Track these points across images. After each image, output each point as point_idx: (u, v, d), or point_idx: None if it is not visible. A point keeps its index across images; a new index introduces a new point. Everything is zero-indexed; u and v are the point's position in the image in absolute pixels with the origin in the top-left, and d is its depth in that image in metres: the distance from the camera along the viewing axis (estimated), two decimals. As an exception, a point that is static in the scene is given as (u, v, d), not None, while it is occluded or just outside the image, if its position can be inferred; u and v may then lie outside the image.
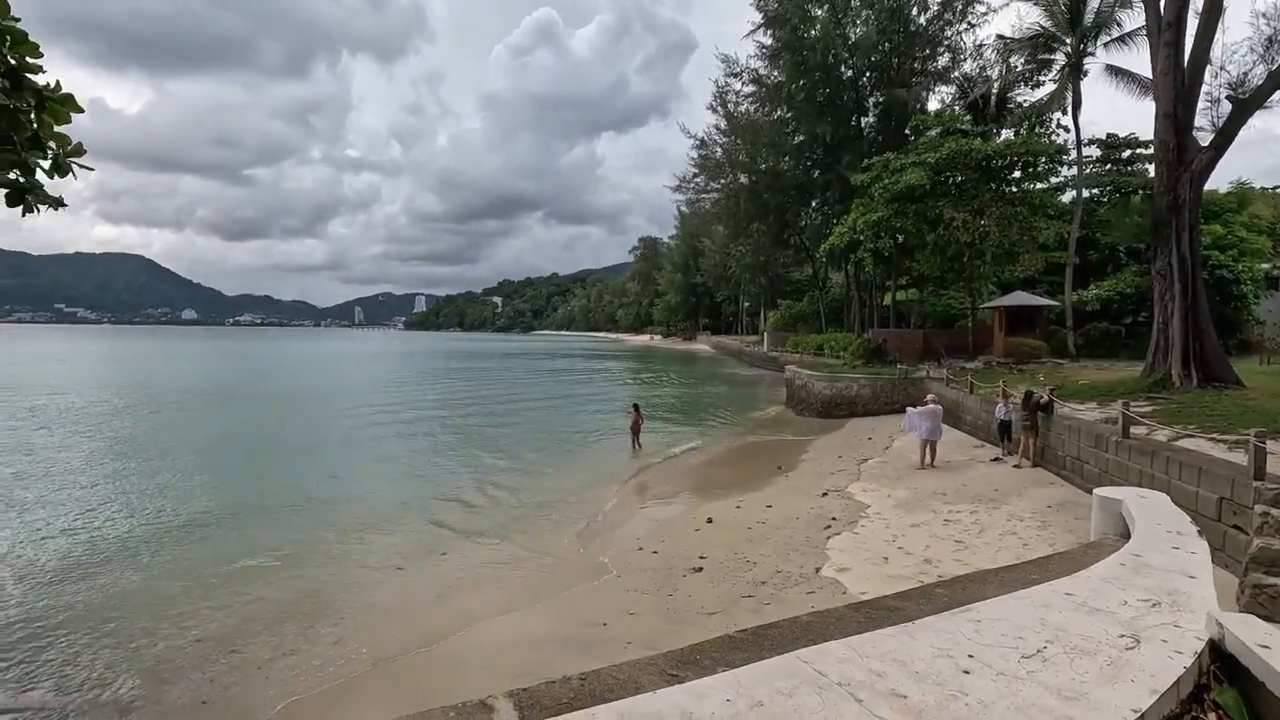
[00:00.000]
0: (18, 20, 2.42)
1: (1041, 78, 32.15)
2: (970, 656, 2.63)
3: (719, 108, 50.09)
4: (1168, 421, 12.37)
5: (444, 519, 12.99)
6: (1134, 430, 11.33)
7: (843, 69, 41.10)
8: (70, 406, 28.08)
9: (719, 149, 53.30)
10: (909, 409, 16.25)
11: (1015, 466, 14.41)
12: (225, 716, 6.45)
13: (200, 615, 8.51)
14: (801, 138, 44.98)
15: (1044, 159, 28.88)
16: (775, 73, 44.01)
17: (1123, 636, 2.85)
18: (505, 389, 41.47)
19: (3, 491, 14.22)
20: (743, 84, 46.96)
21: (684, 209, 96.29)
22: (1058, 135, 35.36)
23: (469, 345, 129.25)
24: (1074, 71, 29.14)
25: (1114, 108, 37.11)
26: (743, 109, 49.02)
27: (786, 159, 47.14)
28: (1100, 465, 11.58)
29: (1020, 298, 30.12)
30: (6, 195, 2.48)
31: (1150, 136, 19.76)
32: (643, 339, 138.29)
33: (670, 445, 21.18)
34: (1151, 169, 28.04)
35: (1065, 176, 34.77)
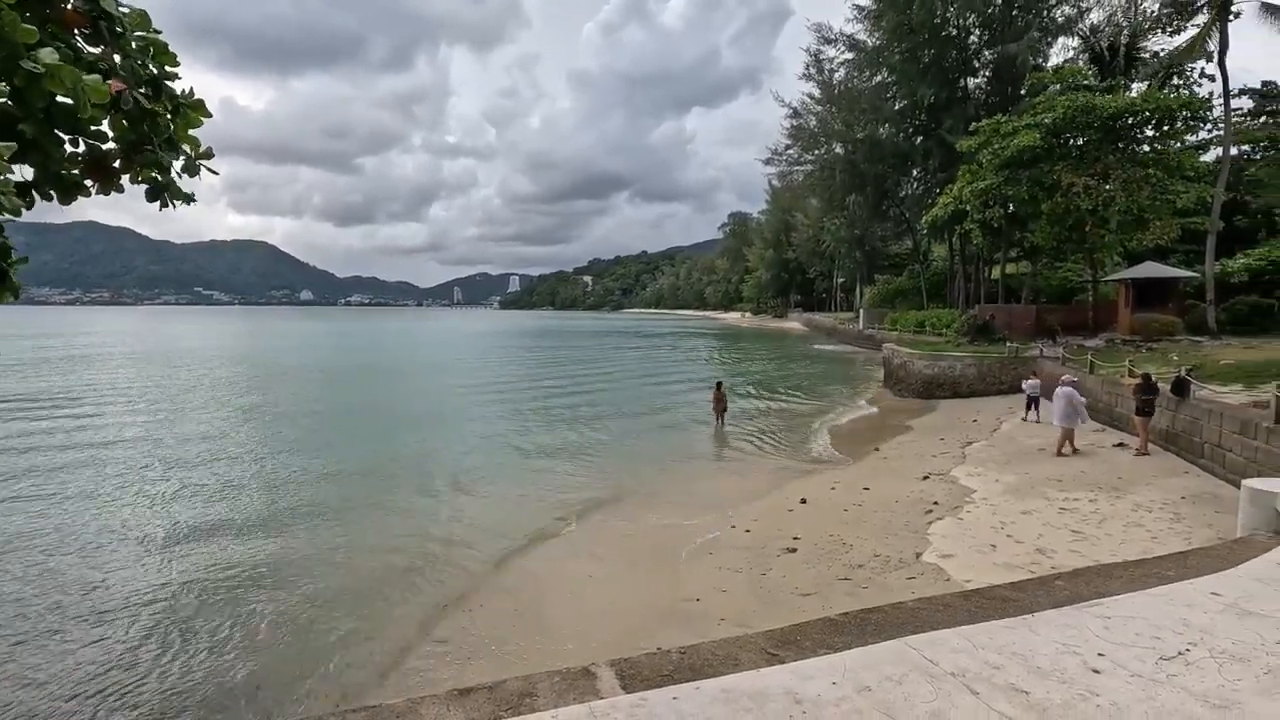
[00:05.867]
0: (159, 32, 2.63)
1: (1182, 23, 28.77)
2: (1100, 655, 2.45)
3: (814, 75, 48.30)
4: (1331, 406, 10.96)
5: (536, 491, 13.45)
6: (1289, 415, 10.11)
7: (949, 26, 38.50)
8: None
9: (813, 118, 51.43)
10: (1060, 387, 14.00)
11: (1137, 453, 13.22)
12: (332, 668, 7.01)
13: (318, 572, 9.29)
14: (902, 103, 42.75)
15: (1184, 113, 25.96)
16: (875, 36, 41.86)
17: (1283, 643, 2.57)
18: (593, 367, 42.22)
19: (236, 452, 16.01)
20: (839, 51, 45.08)
21: (775, 183, 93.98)
22: (1199, 86, 31.77)
23: (560, 324, 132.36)
24: (1221, 12, 25.85)
25: (1270, 52, 32.77)
26: (839, 76, 47.07)
27: (885, 126, 45.01)
28: (1247, 454, 10.45)
29: (1150, 269, 27.37)
30: (146, 192, 2.73)
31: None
32: (732, 317, 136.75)
33: (759, 424, 20.93)
34: (1318, 120, 24.62)
35: (1209, 132, 31.09)
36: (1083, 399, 14.06)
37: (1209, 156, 32.05)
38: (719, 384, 21.09)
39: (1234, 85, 29.86)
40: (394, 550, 10.11)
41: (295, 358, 47.05)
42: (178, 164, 2.75)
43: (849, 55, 44.90)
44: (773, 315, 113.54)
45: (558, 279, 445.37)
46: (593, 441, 18.46)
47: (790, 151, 55.47)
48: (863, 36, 43.21)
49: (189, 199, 2.85)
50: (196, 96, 2.75)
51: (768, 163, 58.60)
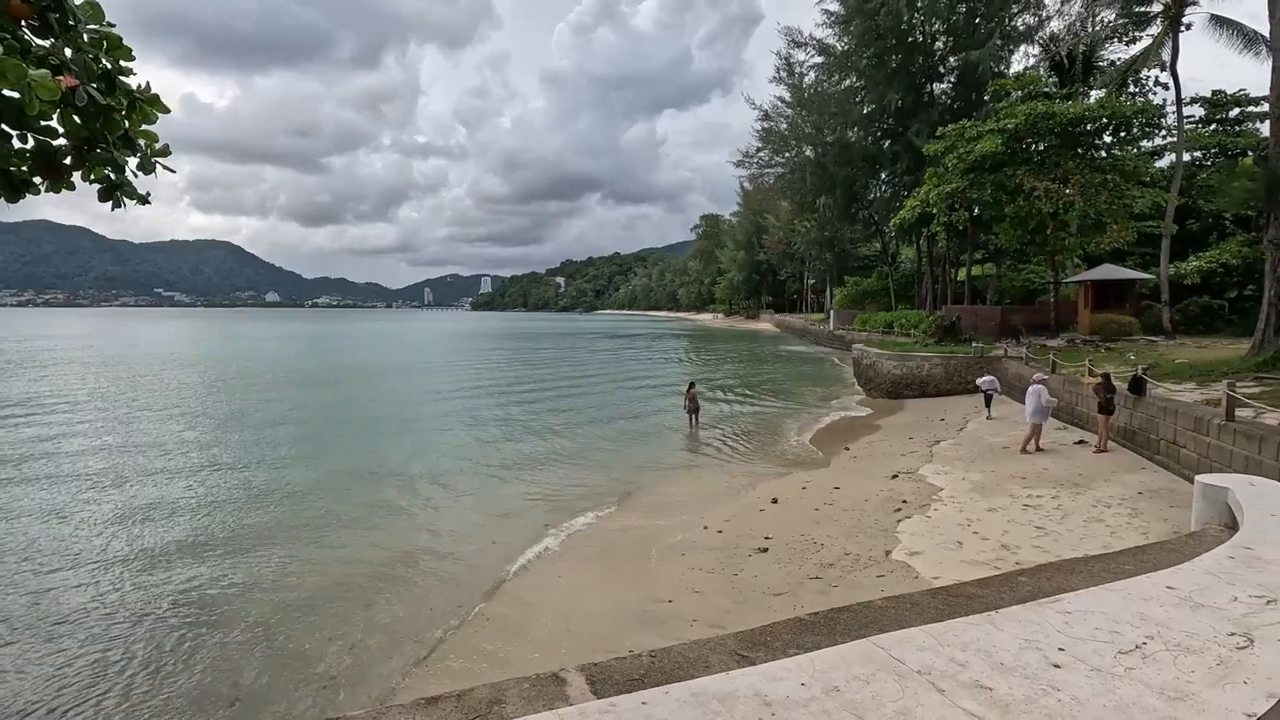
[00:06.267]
0: (113, 26, 2.54)
1: (1137, 33, 29.72)
2: (1060, 650, 2.51)
3: (785, 78, 48.87)
4: (1278, 404, 11.41)
5: (508, 495, 13.35)
6: (1239, 413, 10.49)
7: (915, 33, 39.25)
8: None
9: (784, 121, 52.02)
10: (1032, 384, 14.24)
11: (1097, 450, 13.59)
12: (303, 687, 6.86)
13: (290, 580, 9.08)
14: (870, 107, 43.46)
15: (1139, 119, 26.82)
16: (844, 40, 42.53)
17: (1233, 635, 2.66)
18: (566, 369, 42.10)
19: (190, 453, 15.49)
20: (809, 55, 45.74)
21: (747, 185, 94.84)
22: (1154, 94, 32.82)
23: (532, 325, 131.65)
24: (1173, 23, 26.77)
25: (1220, 63, 34.00)
26: (809, 79, 47.72)
27: (854, 129, 45.69)
28: (1200, 450, 10.82)
29: (1109, 270, 28.25)
30: (99, 191, 2.63)
31: (1264, 93, 18.00)
32: (705, 318, 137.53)
33: (731, 426, 21.06)
34: (1264, 129, 25.56)
35: (1163, 138, 32.16)
36: (1052, 398, 14.48)
37: (1163, 162, 33.15)
38: (691, 384, 21.17)
39: (1186, 95, 30.90)
40: (363, 560, 9.93)
41: (265, 360, 46.03)
42: (133, 162, 2.66)
43: (819, 59, 45.62)
44: (745, 316, 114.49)
45: (530, 280, 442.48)
46: (565, 445, 18.38)
47: (761, 154, 56.07)
48: (832, 41, 43.94)
49: (144, 199, 2.75)
50: (153, 91, 2.66)
51: (739, 165, 59.20)
